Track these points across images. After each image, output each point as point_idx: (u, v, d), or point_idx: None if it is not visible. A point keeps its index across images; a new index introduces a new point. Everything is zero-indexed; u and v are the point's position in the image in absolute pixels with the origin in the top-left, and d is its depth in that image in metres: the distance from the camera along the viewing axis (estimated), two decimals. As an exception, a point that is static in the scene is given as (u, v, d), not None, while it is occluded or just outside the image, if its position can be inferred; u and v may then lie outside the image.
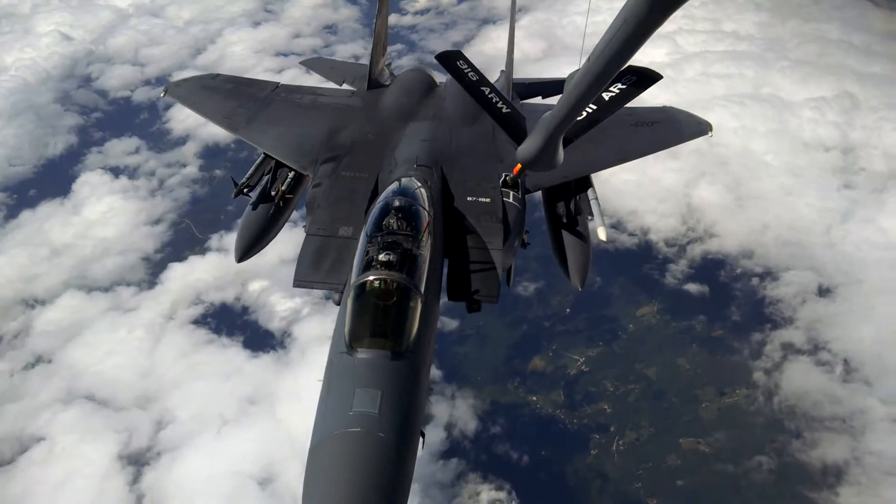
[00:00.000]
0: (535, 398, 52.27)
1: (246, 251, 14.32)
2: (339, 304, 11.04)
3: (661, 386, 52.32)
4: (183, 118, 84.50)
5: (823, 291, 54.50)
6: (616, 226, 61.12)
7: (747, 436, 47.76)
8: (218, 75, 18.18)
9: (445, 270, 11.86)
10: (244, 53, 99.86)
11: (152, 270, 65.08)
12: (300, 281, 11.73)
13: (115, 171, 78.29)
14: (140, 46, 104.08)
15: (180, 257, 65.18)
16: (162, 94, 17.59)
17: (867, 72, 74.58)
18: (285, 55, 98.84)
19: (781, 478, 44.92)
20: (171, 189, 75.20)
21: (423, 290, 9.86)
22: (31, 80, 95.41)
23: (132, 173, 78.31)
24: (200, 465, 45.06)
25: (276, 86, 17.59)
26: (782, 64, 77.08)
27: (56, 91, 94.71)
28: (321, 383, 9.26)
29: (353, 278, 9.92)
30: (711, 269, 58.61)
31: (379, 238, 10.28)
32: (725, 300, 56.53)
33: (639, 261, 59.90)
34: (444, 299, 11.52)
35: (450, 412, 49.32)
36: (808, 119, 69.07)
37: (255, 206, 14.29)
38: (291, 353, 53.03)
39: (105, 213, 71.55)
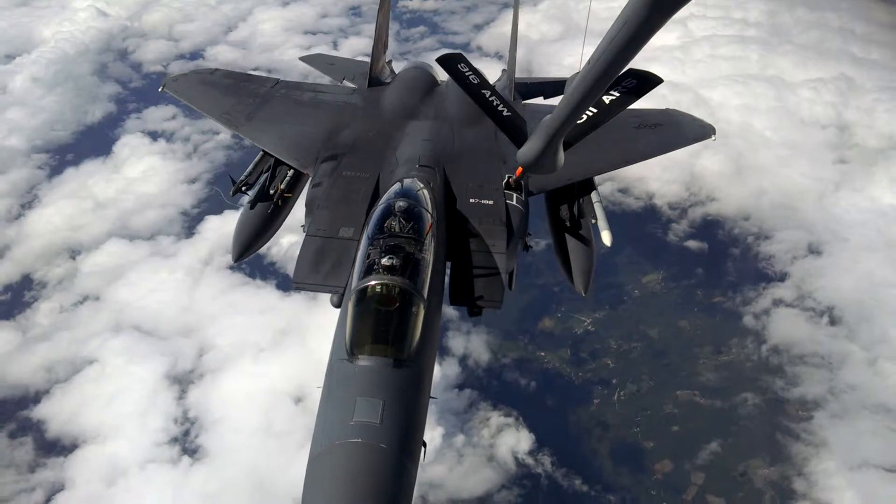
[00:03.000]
0: (543, 354, 55.36)
1: (243, 251, 14.08)
2: (337, 305, 11.07)
3: (663, 345, 55.61)
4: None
5: (813, 249, 58.74)
6: (623, 190, 65.19)
7: (737, 376, 51.93)
8: (216, 70, 17.97)
9: (448, 274, 11.76)
10: (274, 31, 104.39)
11: (189, 224, 69.65)
12: (299, 283, 11.51)
13: (153, 135, 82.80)
14: (174, 23, 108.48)
15: (216, 212, 69.69)
16: (160, 89, 17.25)
17: (866, 58, 78.59)
18: (313, 34, 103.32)
19: (765, 411, 49.13)
20: (206, 152, 79.85)
21: (425, 295, 9.72)
22: (70, 52, 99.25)
23: (169, 137, 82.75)
24: (240, 385, 49.53)
25: (276, 82, 17.38)
26: (786, 48, 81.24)
27: (94, 63, 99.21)
28: (321, 390, 9.14)
29: (355, 282, 9.72)
30: (711, 228, 62.92)
31: (381, 241, 10.14)
32: (722, 255, 60.77)
33: (644, 221, 63.98)
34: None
35: (465, 345, 53.70)
36: (807, 99, 73.19)
37: (252, 204, 14.09)
38: (321, 294, 57.21)
39: (145, 171, 76.15)
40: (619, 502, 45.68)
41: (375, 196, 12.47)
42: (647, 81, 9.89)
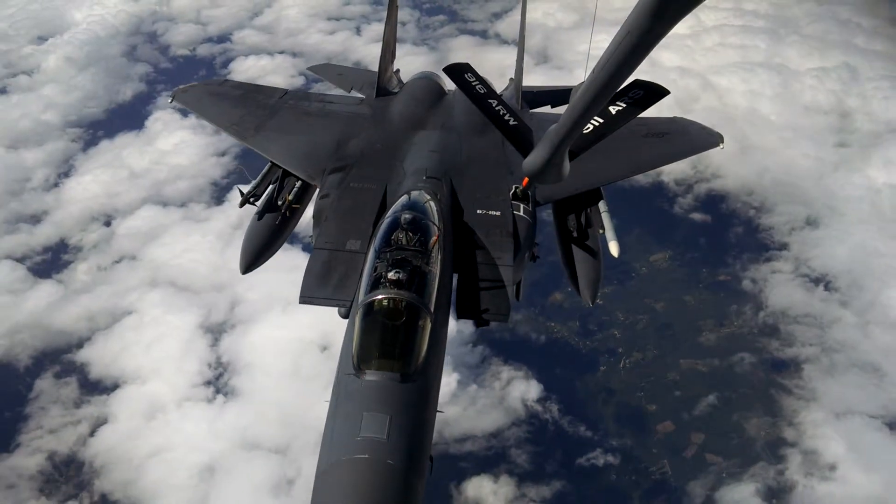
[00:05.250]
0: (553, 324, 57.63)
1: (252, 262, 14.08)
2: (344, 316, 10.94)
3: (667, 318, 57.77)
4: (244, 70, 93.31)
5: (810, 221, 61.93)
6: (633, 168, 67.95)
7: (735, 340, 54.92)
8: (225, 81, 18.16)
9: (454, 286, 11.62)
10: (298, 16, 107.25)
11: (219, 194, 73.13)
12: (306, 297, 11.38)
13: (184, 112, 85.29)
14: (202, 7, 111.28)
15: (245, 182, 72.94)
16: (169, 101, 17.43)
17: (869, 49, 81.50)
18: (336, 20, 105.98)
19: (760, 369, 52.31)
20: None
21: (432, 309, 9.71)
22: (101, 34, 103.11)
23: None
24: (269, 334, 53.03)
25: (284, 93, 17.45)
26: (793, 38, 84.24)
27: (124, 45, 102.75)
28: (328, 404, 9.13)
29: (362, 296, 9.74)
30: (715, 202, 65.81)
31: (388, 254, 10.13)
32: (725, 226, 63.85)
33: (652, 196, 66.84)
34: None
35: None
36: (810, 86, 76.23)
37: (260, 215, 14.19)
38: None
39: (177, 144, 79.67)
40: (622, 448, 48.61)
41: (383, 208, 12.45)
42: (654, 92, 9.74)
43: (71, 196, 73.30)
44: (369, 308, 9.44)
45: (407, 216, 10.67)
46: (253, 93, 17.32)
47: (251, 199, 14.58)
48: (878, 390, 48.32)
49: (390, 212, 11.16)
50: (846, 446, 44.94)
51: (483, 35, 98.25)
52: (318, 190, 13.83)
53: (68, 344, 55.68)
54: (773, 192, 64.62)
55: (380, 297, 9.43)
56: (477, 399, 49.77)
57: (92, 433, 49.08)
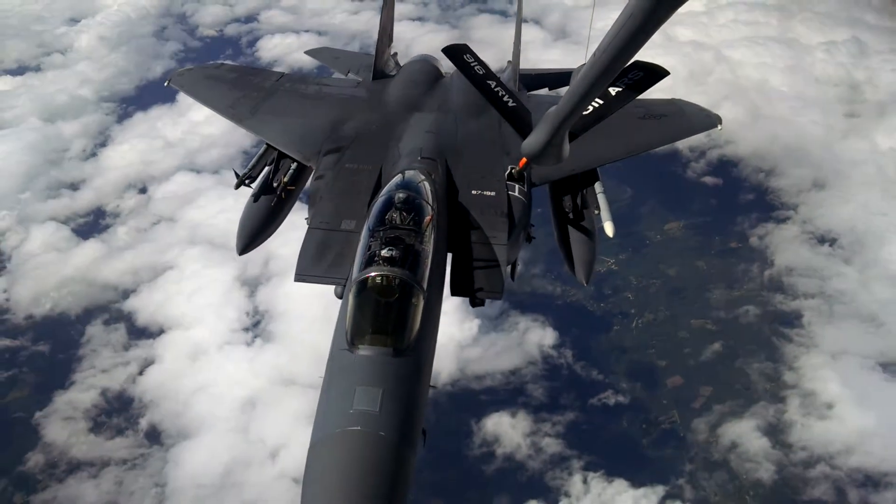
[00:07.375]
0: (568, 288, 59.30)
1: (247, 244, 14.20)
2: (340, 297, 11.16)
3: (679, 282, 60.04)
4: (271, 48, 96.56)
5: (817, 183, 64.60)
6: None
7: (744, 299, 57.52)
8: (222, 64, 18.19)
9: (449, 265, 11.75)
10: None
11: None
12: (301, 275, 11.76)
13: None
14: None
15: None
16: (166, 84, 17.41)
17: (879, 25, 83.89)
18: (361, 0, 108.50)
19: (763, 320, 55.22)
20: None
21: (425, 286, 9.84)
22: (132, 15, 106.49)
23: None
24: (303, 286, 56.37)
25: (281, 75, 17.48)
26: (805, 15, 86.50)
27: (154, 26, 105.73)
28: (321, 380, 9.26)
29: (355, 274, 9.88)
30: (726, 167, 68.48)
31: (381, 232, 10.27)
32: (735, 189, 66.54)
33: (666, 163, 69.11)
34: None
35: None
36: (821, 59, 78.70)
37: (256, 197, 14.23)
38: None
39: (208, 116, 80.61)
40: (631, 391, 51.65)
41: (378, 188, 12.53)
42: (654, 74, 9.91)
43: (108, 164, 76.75)
44: (363, 285, 9.59)
45: (401, 195, 10.83)
46: (249, 75, 17.51)
47: (247, 181, 14.74)
48: (875, 337, 51.11)
49: (384, 191, 11.30)
50: (841, 384, 47.69)
51: (503, 14, 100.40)
52: (313, 171, 14.01)
53: (115, 296, 59.59)
54: (782, 157, 67.06)
55: (373, 273, 9.58)
56: (496, 342, 53.08)
57: (141, 372, 53.00)
